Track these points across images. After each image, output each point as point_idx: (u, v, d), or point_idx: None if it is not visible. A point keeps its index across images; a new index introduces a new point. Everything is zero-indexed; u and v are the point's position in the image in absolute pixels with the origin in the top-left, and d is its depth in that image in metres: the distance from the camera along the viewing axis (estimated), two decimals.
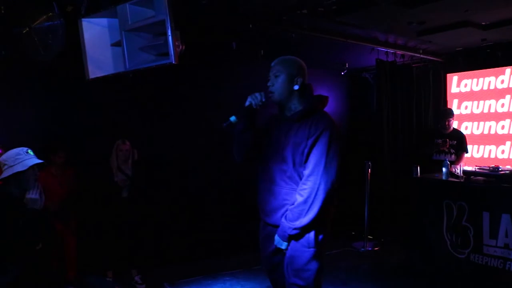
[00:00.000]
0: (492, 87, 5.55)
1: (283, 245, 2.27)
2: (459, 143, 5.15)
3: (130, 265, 4.22)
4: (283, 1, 3.73)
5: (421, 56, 5.68)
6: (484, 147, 5.59)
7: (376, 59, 5.61)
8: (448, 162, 4.41)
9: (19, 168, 2.37)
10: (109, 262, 4.16)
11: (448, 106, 5.87)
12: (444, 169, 4.33)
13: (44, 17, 3.07)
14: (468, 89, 5.82)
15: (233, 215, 5.15)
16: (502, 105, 5.43)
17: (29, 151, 2.49)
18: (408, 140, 5.99)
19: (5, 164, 2.40)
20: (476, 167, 4.66)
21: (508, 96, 5.37)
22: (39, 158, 2.50)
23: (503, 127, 5.41)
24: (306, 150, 2.21)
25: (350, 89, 6.67)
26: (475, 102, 5.73)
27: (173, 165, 4.83)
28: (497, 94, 5.48)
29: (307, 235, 2.23)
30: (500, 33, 4.68)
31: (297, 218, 2.18)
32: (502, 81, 5.44)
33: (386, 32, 4.84)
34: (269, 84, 2.32)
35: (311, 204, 2.15)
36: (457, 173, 4.32)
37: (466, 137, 5.25)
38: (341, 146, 2.26)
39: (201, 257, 4.84)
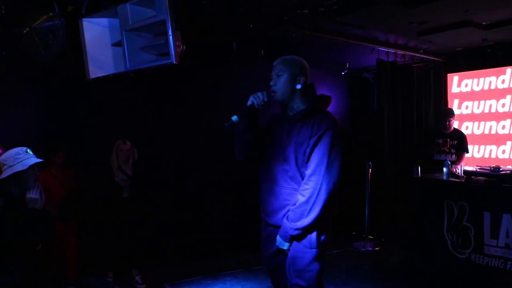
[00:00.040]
0: (492, 87, 5.54)
1: (285, 246, 2.26)
2: (460, 143, 5.15)
3: (131, 265, 4.21)
4: (283, 1, 3.73)
5: (422, 56, 5.68)
6: (485, 147, 5.59)
7: (376, 59, 5.61)
8: (449, 162, 4.41)
9: (19, 167, 2.37)
10: (110, 262, 4.15)
11: (449, 106, 5.87)
12: (445, 169, 4.33)
13: (45, 17, 3.07)
14: (468, 89, 5.82)
15: (233, 215, 5.15)
16: (503, 105, 5.42)
17: (28, 150, 2.48)
18: (408, 140, 5.99)
19: (4, 164, 2.40)
20: (477, 167, 4.66)
21: (508, 96, 5.37)
22: (39, 158, 2.50)
23: (503, 127, 5.41)
24: (308, 150, 2.20)
25: (351, 89, 6.67)
26: (476, 102, 5.73)
27: (173, 165, 4.83)
28: (498, 94, 5.48)
29: (309, 236, 2.22)
30: (500, 33, 4.68)
31: (299, 219, 2.17)
32: (503, 81, 5.44)
33: (386, 32, 4.84)
34: (271, 83, 2.32)
35: (313, 204, 2.14)
36: (458, 173, 4.31)
37: (467, 137, 5.24)
38: (343, 146, 2.25)
39: (201, 257, 4.83)
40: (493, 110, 5.53)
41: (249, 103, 2.30)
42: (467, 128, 5.77)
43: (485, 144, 5.58)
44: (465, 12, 4.04)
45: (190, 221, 4.93)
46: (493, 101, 5.52)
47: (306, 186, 2.18)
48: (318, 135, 2.18)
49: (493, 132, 5.52)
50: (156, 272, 4.42)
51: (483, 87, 5.65)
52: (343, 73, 6.09)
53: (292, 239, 2.23)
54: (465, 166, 4.64)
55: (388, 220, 5.72)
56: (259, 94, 2.29)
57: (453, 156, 5.09)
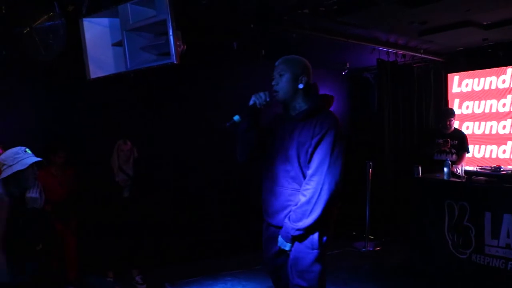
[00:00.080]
0: (493, 87, 5.54)
1: (287, 246, 2.25)
2: (460, 143, 5.14)
3: (131, 265, 4.21)
4: (283, 1, 3.72)
5: (422, 56, 5.68)
6: (485, 147, 5.58)
7: (377, 59, 5.60)
8: (450, 162, 4.40)
9: (19, 167, 2.37)
10: (110, 262, 4.15)
11: (449, 106, 5.86)
12: (445, 169, 4.32)
13: (45, 17, 3.07)
14: (469, 89, 5.82)
15: (234, 215, 5.15)
16: (504, 105, 5.42)
17: (27, 150, 2.48)
18: (409, 140, 5.98)
19: (4, 164, 2.40)
20: (478, 167, 4.65)
21: (509, 96, 5.36)
22: (38, 157, 2.50)
23: (504, 127, 5.40)
24: (310, 150, 2.19)
25: (351, 89, 6.66)
26: (476, 102, 5.72)
27: (174, 165, 4.82)
28: (498, 94, 5.47)
29: (311, 237, 2.21)
30: (501, 33, 4.67)
31: (300, 219, 2.16)
32: (504, 81, 5.43)
33: (387, 32, 4.83)
34: (273, 83, 2.31)
35: (314, 204, 2.14)
36: (459, 173, 4.30)
37: (467, 137, 5.24)
38: (345, 146, 2.25)
39: (202, 257, 4.83)
40: (493, 110, 5.52)
41: (251, 102, 2.29)
42: (467, 128, 5.76)
43: (486, 144, 5.58)
44: (465, 12, 4.03)
45: (190, 221, 4.93)
46: (494, 101, 5.52)
47: (308, 186, 2.17)
48: (320, 135, 2.18)
49: (493, 132, 5.51)
50: (157, 272, 4.42)
51: (483, 87, 5.64)
52: (343, 73, 6.09)
53: (293, 239, 2.23)
54: (466, 166, 4.63)
55: (389, 220, 5.72)
56: (261, 94, 2.28)
57: (454, 156, 5.08)
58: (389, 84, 5.81)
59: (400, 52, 5.52)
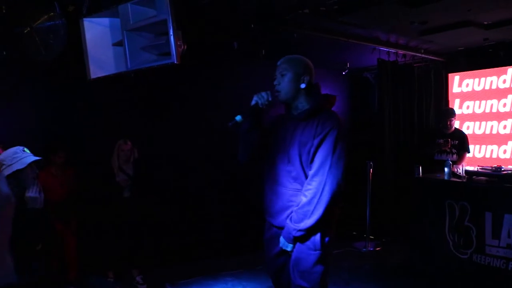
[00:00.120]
0: (494, 86, 5.53)
1: (289, 247, 2.24)
2: (461, 143, 5.14)
3: (131, 265, 4.21)
4: (284, 1, 3.72)
5: (423, 55, 5.67)
6: (486, 147, 5.58)
7: (377, 59, 5.60)
8: (450, 162, 4.40)
9: (18, 166, 2.37)
10: (110, 262, 4.15)
11: (450, 106, 5.86)
12: (446, 169, 4.32)
13: (46, 16, 3.06)
14: (469, 88, 5.81)
15: (234, 215, 5.14)
16: (504, 105, 5.41)
17: (26, 149, 2.48)
18: (409, 140, 5.98)
19: (3, 164, 2.39)
20: (479, 167, 4.64)
21: (510, 96, 5.36)
22: (37, 156, 2.49)
23: (505, 127, 5.39)
24: (312, 150, 2.17)
25: (351, 89, 6.66)
26: (477, 102, 5.72)
27: (174, 165, 4.82)
28: (499, 94, 5.47)
29: (313, 238, 2.20)
30: (502, 33, 4.66)
31: (302, 220, 2.15)
32: (504, 81, 5.42)
33: (387, 32, 4.82)
34: (275, 83, 2.30)
35: (316, 205, 2.12)
36: (459, 173, 4.30)
37: (468, 137, 5.24)
38: (347, 146, 2.24)
39: (202, 257, 4.83)
40: (494, 110, 5.51)
41: (253, 102, 2.27)
42: (468, 128, 5.76)
43: (486, 144, 5.57)
44: (466, 11, 4.03)
45: (190, 221, 4.93)
46: (494, 101, 5.51)
47: (309, 187, 2.16)
48: (322, 135, 2.16)
49: (494, 132, 5.50)
50: (157, 272, 4.41)
51: (484, 87, 5.64)
52: (344, 73, 6.08)
53: (295, 240, 2.21)
54: (466, 166, 4.63)
55: (389, 220, 5.71)
56: (263, 93, 2.26)
57: (454, 156, 5.08)
58: (390, 84, 5.81)
59: (401, 52, 5.51)
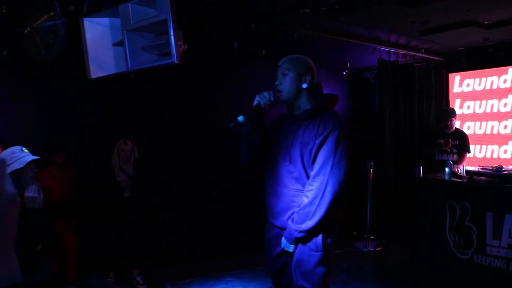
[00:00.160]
0: (494, 86, 5.53)
1: (290, 248, 2.23)
2: (461, 143, 5.13)
3: (131, 265, 4.20)
4: (285, 1, 3.71)
5: (423, 55, 5.66)
6: (487, 147, 5.57)
7: (378, 59, 5.59)
8: (451, 162, 4.39)
9: (17, 165, 2.36)
10: (110, 262, 4.15)
11: (450, 106, 5.85)
12: (447, 169, 4.31)
13: (46, 16, 3.06)
14: (470, 88, 5.81)
15: (234, 215, 5.14)
16: (505, 105, 5.41)
17: (24, 148, 2.47)
18: (410, 140, 5.97)
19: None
20: (479, 167, 4.64)
21: (510, 96, 5.35)
22: (36, 156, 2.49)
23: (505, 127, 5.39)
24: (314, 150, 2.16)
25: (352, 89, 6.65)
26: (478, 102, 5.71)
27: (174, 165, 4.81)
28: (500, 93, 5.46)
29: (315, 239, 2.19)
30: (502, 33, 4.66)
31: (303, 221, 2.13)
32: (505, 81, 5.42)
33: (388, 32, 4.82)
34: (277, 82, 2.29)
35: (317, 206, 2.10)
36: (460, 173, 4.30)
37: (469, 137, 5.23)
38: (349, 146, 2.23)
39: (202, 257, 4.83)
40: (494, 110, 5.51)
41: (255, 103, 2.26)
42: (468, 128, 5.75)
43: (487, 144, 5.57)
44: (466, 11, 4.02)
45: (190, 221, 4.92)
46: (495, 101, 5.51)
47: (311, 187, 2.14)
48: (324, 135, 2.15)
49: (495, 132, 5.50)
50: (157, 272, 4.41)
51: (484, 87, 5.63)
52: (344, 73, 6.07)
53: (297, 241, 2.20)
54: (467, 166, 4.63)
55: (390, 220, 5.71)
56: (266, 93, 2.25)
57: (455, 156, 5.07)
58: (390, 84, 5.80)
59: (401, 52, 5.51)
